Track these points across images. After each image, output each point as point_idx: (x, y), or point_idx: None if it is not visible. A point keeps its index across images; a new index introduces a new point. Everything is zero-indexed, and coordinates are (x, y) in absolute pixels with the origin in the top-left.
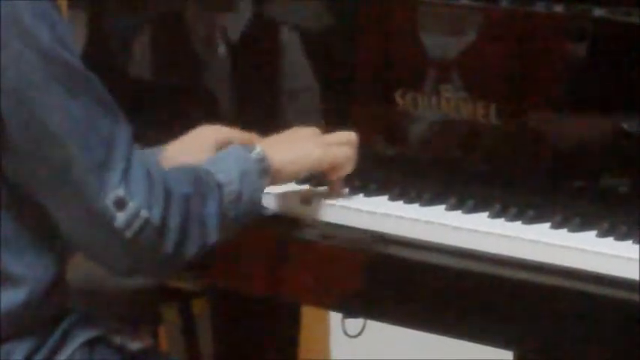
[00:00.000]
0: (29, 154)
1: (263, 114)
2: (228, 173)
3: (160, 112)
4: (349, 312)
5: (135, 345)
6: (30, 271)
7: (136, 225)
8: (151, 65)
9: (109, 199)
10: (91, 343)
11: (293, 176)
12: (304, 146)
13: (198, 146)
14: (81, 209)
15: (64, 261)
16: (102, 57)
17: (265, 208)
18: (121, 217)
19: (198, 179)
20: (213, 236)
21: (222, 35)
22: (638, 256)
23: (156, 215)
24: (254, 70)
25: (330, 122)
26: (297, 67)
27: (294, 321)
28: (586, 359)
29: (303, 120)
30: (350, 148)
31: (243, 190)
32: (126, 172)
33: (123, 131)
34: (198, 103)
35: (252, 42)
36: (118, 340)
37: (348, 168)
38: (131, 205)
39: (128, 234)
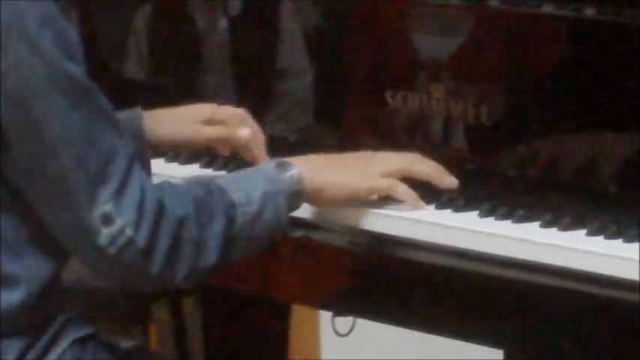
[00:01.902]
0: (25, 159)
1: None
2: (248, 193)
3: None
4: (339, 311)
5: (125, 343)
6: (28, 272)
7: (120, 242)
8: (143, 63)
9: (97, 213)
10: (81, 342)
11: (333, 201)
12: (351, 174)
13: (187, 118)
14: (69, 219)
15: (63, 262)
16: (94, 56)
17: (291, 228)
18: (105, 233)
19: (202, 199)
20: (211, 258)
21: (216, 35)
22: (628, 255)
23: (142, 236)
24: (247, 71)
25: (322, 122)
26: (288, 65)
27: (284, 319)
28: (575, 358)
29: (296, 119)
30: (395, 180)
31: (263, 211)
32: (120, 189)
33: (124, 147)
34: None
35: (244, 42)
36: (108, 338)
37: (402, 194)
38: (118, 223)
39: (111, 251)
